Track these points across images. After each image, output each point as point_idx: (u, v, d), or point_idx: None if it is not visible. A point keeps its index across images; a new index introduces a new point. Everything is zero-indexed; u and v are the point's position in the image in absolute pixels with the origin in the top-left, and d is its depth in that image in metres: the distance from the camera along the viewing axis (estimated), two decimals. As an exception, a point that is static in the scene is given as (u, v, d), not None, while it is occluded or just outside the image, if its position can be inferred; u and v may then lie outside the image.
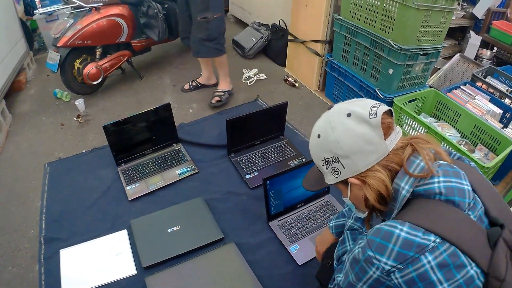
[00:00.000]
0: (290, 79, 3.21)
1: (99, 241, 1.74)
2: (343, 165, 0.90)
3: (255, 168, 2.14)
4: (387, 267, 0.83)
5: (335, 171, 0.93)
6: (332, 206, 1.91)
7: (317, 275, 1.41)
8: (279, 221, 1.83)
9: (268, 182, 1.70)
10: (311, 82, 3.16)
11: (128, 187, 2.00)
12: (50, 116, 2.77)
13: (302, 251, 1.70)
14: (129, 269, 1.62)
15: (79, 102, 2.73)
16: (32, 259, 1.73)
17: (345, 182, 0.95)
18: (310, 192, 1.86)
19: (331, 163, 0.92)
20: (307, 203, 1.91)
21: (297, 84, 3.18)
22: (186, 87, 3.05)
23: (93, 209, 1.93)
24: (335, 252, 1.26)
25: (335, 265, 1.23)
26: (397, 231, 0.82)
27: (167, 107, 2.17)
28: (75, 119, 2.68)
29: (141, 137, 2.16)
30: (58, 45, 2.62)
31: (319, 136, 0.94)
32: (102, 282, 1.58)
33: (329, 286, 1.18)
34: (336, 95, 2.96)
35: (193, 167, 2.14)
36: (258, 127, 2.24)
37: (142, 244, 1.69)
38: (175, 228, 1.74)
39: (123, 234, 1.76)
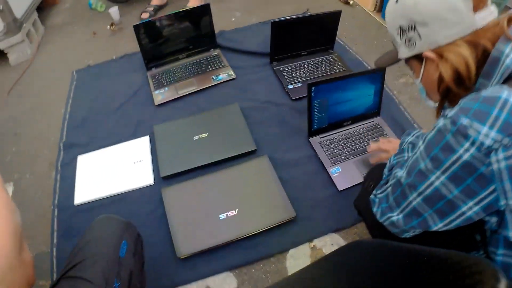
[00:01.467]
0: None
1: (118, 147, 1.53)
2: (419, 34, 0.74)
3: (299, 79, 1.80)
4: (487, 142, 0.57)
5: (410, 41, 0.77)
6: (382, 130, 1.57)
7: (356, 201, 1.12)
8: (321, 138, 1.52)
9: (313, 88, 1.40)
10: (367, 0, 2.68)
11: (156, 92, 1.75)
12: (83, 26, 2.56)
13: (344, 175, 1.41)
14: (146, 178, 1.40)
15: (114, 10, 2.47)
16: (49, 166, 1.57)
17: (419, 59, 0.78)
18: (358, 109, 1.56)
19: (407, 31, 0.77)
20: (354, 122, 1.59)
21: (351, 2, 2.70)
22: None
23: (117, 114, 1.72)
24: (389, 161, 0.96)
25: (384, 175, 0.93)
26: (504, 94, 0.58)
27: (205, 8, 1.86)
28: (108, 27, 2.44)
29: (176, 40, 1.88)
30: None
31: (396, 1, 0.78)
32: (116, 191, 1.38)
33: (374, 194, 0.87)
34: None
35: (230, 73, 1.84)
36: (306, 36, 1.87)
37: (163, 152, 1.45)
38: (202, 135, 1.47)
39: (144, 141, 1.54)
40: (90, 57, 2.21)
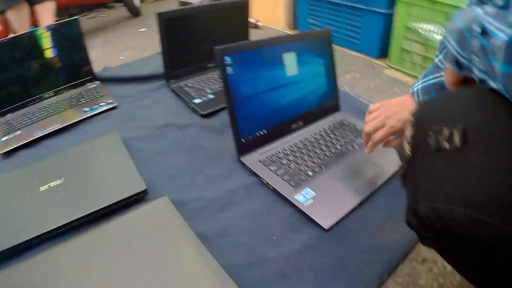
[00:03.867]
0: (251, 20, 2.50)
1: None
2: None
3: (209, 91, 1.35)
4: None
5: None
6: (353, 125, 1.15)
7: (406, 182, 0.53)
8: (260, 154, 1.02)
9: (227, 59, 0.92)
10: (278, 21, 2.50)
11: (4, 138, 1.19)
12: None
13: (325, 199, 0.86)
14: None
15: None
16: None
17: None
18: (308, 99, 1.11)
19: None
20: (307, 123, 1.13)
21: (260, 24, 2.47)
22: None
23: None
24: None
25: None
26: None
27: (74, 23, 1.39)
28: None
29: (35, 72, 1.35)
30: None
31: None
32: None
33: None
34: (312, 23, 2.27)
35: (110, 101, 1.34)
36: (211, 39, 1.42)
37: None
38: (54, 183, 0.91)
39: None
40: None
